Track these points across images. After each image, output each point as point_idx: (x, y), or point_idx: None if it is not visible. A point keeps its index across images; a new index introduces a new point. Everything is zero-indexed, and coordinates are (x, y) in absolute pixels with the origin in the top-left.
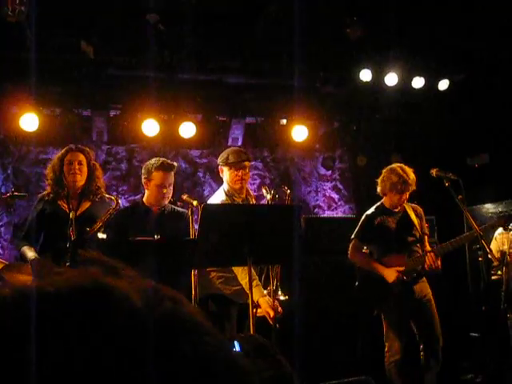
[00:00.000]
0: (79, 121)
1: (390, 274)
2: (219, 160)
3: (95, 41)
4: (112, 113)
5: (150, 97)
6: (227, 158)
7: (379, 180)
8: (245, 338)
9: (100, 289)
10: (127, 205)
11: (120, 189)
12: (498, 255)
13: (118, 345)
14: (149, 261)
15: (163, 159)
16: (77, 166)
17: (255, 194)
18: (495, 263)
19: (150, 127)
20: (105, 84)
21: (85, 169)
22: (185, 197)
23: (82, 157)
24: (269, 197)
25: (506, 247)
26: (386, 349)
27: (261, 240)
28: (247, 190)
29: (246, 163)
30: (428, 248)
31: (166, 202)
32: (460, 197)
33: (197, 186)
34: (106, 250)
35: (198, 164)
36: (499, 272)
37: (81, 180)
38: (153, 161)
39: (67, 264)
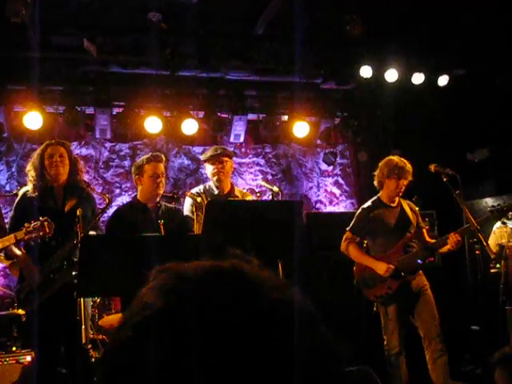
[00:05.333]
0: (82, 118)
1: (381, 267)
2: (202, 157)
3: (98, 39)
4: (115, 110)
5: (153, 94)
6: (208, 153)
7: (376, 172)
8: None
9: (237, 271)
10: (123, 203)
11: (123, 186)
12: (497, 249)
13: (250, 318)
14: (153, 257)
15: (151, 153)
16: (58, 159)
17: (258, 189)
18: (492, 256)
19: (153, 124)
20: (107, 82)
21: (66, 162)
22: (189, 193)
23: (62, 150)
24: (276, 189)
25: (504, 241)
26: (385, 342)
27: (263, 235)
28: (232, 187)
29: (224, 158)
30: (429, 240)
31: (161, 192)
32: (458, 192)
33: (200, 182)
34: (110, 246)
35: (201, 161)
36: (498, 265)
37: (63, 173)
38: (141, 158)
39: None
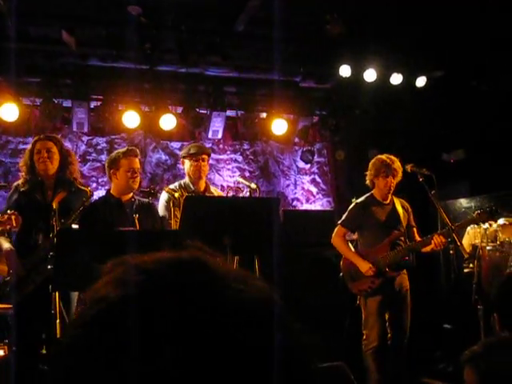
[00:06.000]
0: (59, 111)
1: (364, 266)
2: (181, 153)
3: (77, 32)
4: (93, 104)
5: (131, 88)
6: (188, 150)
7: (367, 172)
8: None
9: (197, 261)
10: (98, 197)
11: (100, 180)
12: (470, 249)
13: (211, 310)
14: (130, 251)
15: (127, 147)
16: (45, 154)
17: (235, 185)
18: (465, 256)
19: (131, 119)
20: (86, 75)
21: (56, 156)
22: (166, 189)
23: (50, 144)
24: (253, 186)
25: (477, 241)
26: (364, 337)
27: (240, 231)
28: (208, 185)
29: (205, 156)
30: (418, 239)
31: (137, 186)
32: (433, 192)
33: (177, 177)
34: (86, 240)
35: (178, 156)
36: (471, 265)
37: (52, 168)
38: (117, 151)
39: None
